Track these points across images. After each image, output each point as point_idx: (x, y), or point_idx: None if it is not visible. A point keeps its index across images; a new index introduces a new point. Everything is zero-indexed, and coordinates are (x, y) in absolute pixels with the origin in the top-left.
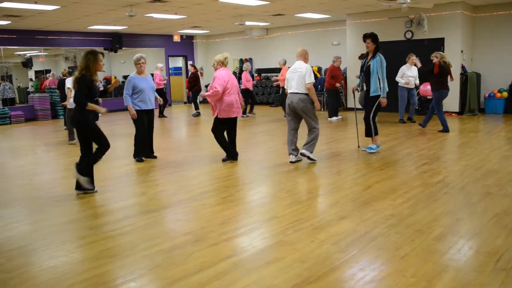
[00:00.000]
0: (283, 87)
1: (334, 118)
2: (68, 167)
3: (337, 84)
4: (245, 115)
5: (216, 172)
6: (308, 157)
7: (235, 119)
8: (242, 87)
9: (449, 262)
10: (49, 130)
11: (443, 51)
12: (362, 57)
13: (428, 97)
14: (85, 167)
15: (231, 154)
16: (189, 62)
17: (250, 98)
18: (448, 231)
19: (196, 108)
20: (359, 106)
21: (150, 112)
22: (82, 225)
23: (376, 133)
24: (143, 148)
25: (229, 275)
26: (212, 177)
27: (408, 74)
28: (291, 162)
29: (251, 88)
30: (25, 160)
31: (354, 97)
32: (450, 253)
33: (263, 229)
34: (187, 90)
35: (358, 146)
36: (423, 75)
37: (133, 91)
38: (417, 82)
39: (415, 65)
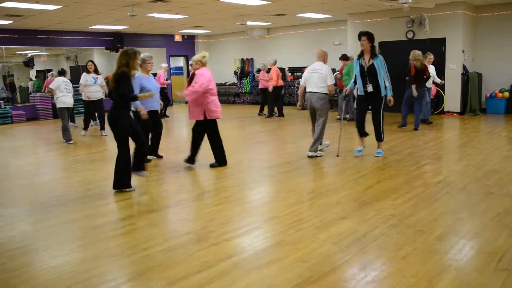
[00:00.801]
0: (275, 87)
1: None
2: (69, 167)
3: None
4: (266, 114)
5: (217, 172)
6: (316, 156)
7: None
8: (260, 86)
9: (450, 262)
10: (51, 129)
11: (444, 51)
12: (343, 57)
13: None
14: (123, 167)
15: (192, 158)
16: (190, 62)
17: (264, 99)
18: (449, 231)
19: None
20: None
21: (156, 113)
22: (83, 225)
23: (383, 138)
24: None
25: (230, 275)
26: (213, 176)
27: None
28: (309, 156)
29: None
30: (26, 160)
31: (344, 99)
32: (451, 253)
33: (264, 229)
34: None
35: (337, 155)
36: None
37: (140, 92)
38: (437, 80)
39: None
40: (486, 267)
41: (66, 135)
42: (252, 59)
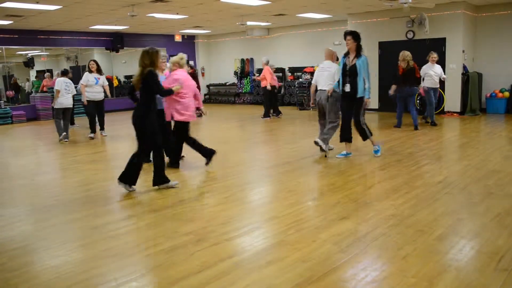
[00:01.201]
0: (264, 87)
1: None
2: (69, 167)
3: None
4: (274, 114)
5: (217, 172)
6: (320, 147)
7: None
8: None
9: (450, 262)
10: (51, 130)
11: (444, 51)
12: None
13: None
14: (160, 163)
15: (174, 161)
16: (190, 62)
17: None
18: (449, 231)
19: None
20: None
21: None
22: (84, 225)
23: (371, 133)
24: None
25: (230, 275)
26: (213, 177)
27: (431, 73)
28: (315, 142)
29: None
30: (27, 160)
31: (327, 100)
32: (452, 253)
33: (264, 229)
34: None
35: (326, 156)
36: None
37: None
38: (444, 76)
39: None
40: (486, 267)
41: (59, 132)
42: (252, 59)
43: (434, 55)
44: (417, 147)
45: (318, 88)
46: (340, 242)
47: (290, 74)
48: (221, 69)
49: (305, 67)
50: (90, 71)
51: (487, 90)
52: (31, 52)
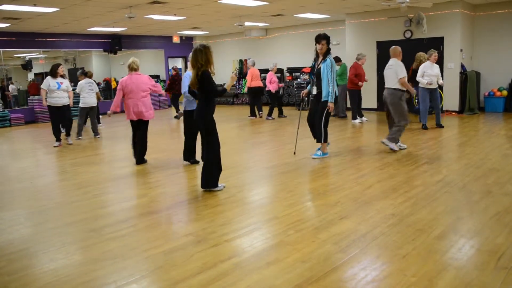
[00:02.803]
0: (252, 88)
1: (358, 120)
2: (68, 170)
3: (360, 83)
4: (269, 117)
5: None
6: (388, 146)
7: (142, 121)
8: (267, 88)
9: (450, 261)
10: (49, 132)
11: (442, 50)
12: (336, 59)
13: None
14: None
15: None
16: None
17: (271, 101)
18: (449, 230)
19: (177, 110)
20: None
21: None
22: (83, 227)
23: (326, 140)
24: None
25: (230, 276)
26: None
27: (430, 72)
28: (382, 142)
29: (273, 90)
30: (25, 163)
31: (304, 102)
32: (451, 252)
33: (264, 229)
34: (166, 91)
35: (294, 153)
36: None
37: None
38: (441, 81)
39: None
40: (486, 265)
41: (78, 131)
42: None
43: (435, 54)
44: (416, 146)
45: (385, 87)
46: (340, 242)
47: (288, 74)
48: (220, 70)
49: (303, 68)
50: (55, 76)
51: (485, 89)
52: (29, 55)
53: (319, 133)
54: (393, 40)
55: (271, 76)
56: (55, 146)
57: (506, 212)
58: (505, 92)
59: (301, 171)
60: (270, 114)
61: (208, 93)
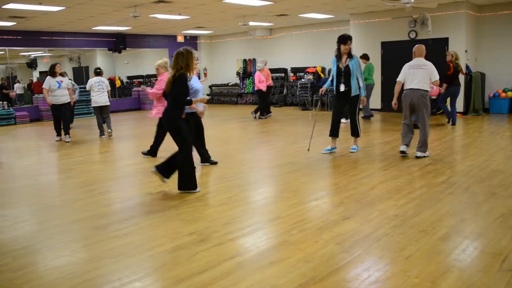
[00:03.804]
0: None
1: (347, 120)
2: (72, 167)
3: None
4: (263, 117)
5: (220, 172)
6: (425, 156)
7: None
8: (256, 88)
9: (453, 262)
10: (54, 130)
11: (447, 51)
12: (364, 56)
13: (432, 97)
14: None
15: (153, 151)
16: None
17: (261, 100)
18: (452, 232)
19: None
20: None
21: (195, 115)
22: (87, 225)
23: (359, 135)
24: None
25: (233, 275)
26: (216, 177)
27: None
28: (401, 151)
29: (264, 88)
30: (30, 160)
31: (322, 100)
32: (455, 254)
33: (267, 229)
34: None
35: (308, 149)
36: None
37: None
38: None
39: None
40: (490, 268)
41: (100, 129)
42: (254, 59)
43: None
44: None
45: (410, 87)
46: (343, 242)
47: (292, 74)
48: (224, 69)
49: (307, 68)
50: (54, 75)
51: (490, 90)
52: (34, 53)
53: (354, 128)
54: (398, 41)
55: (259, 76)
56: (56, 141)
57: (510, 214)
58: (510, 93)
59: (304, 171)
60: (262, 113)
61: (176, 96)
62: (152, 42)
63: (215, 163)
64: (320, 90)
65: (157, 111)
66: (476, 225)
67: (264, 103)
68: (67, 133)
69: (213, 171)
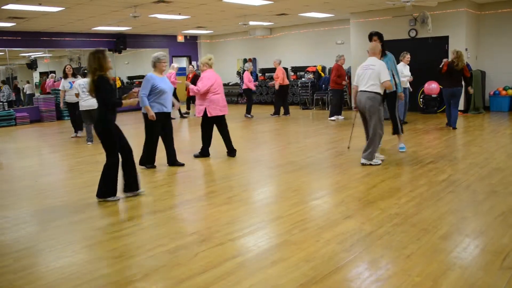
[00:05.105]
0: (280, 85)
1: (334, 117)
2: (73, 168)
3: (343, 82)
4: (249, 115)
5: (221, 172)
6: (370, 164)
7: (223, 117)
8: (244, 87)
9: (455, 261)
10: (54, 131)
11: (447, 49)
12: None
13: (433, 95)
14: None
15: (204, 152)
16: (193, 63)
17: (249, 99)
18: (453, 230)
19: (188, 108)
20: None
21: (168, 115)
22: (88, 226)
23: (402, 131)
24: (154, 156)
25: (235, 275)
26: (217, 177)
27: (405, 73)
28: (362, 164)
29: (253, 88)
30: (31, 161)
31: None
32: (456, 252)
33: (268, 229)
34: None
35: (348, 147)
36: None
37: (151, 92)
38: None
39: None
40: (491, 266)
41: (87, 135)
42: (255, 59)
43: (407, 56)
44: (420, 145)
45: (360, 90)
46: (344, 242)
47: (292, 73)
48: (224, 69)
49: (307, 67)
50: (66, 76)
51: (490, 88)
52: (34, 54)
53: (394, 125)
54: (398, 39)
55: (248, 76)
56: (72, 137)
57: (511, 212)
58: (510, 91)
59: (305, 171)
60: (249, 111)
61: (103, 100)
62: (152, 42)
63: (182, 164)
64: (353, 89)
65: (199, 110)
66: (477, 223)
67: (251, 102)
68: (81, 129)
69: (214, 171)
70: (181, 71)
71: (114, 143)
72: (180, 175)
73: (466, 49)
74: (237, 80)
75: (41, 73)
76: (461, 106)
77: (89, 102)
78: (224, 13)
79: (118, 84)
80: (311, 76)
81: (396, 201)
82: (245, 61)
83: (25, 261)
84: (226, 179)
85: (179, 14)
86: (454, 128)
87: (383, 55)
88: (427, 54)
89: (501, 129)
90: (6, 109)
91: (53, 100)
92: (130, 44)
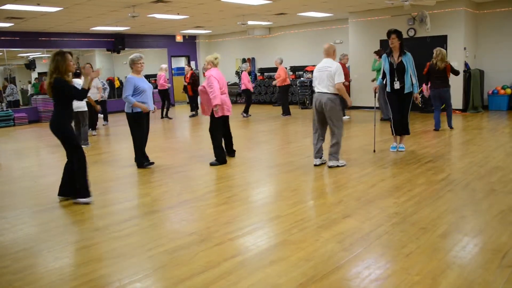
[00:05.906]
0: (280, 86)
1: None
2: None
3: (346, 83)
4: (245, 115)
5: (220, 172)
6: (337, 166)
7: (227, 117)
8: (243, 87)
9: (454, 259)
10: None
11: (446, 49)
12: (379, 52)
13: (425, 96)
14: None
15: (221, 158)
16: (192, 63)
17: (248, 99)
18: (452, 229)
19: (193, 109)
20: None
21: (148, 114)
22: (87, 226)
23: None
24: (144, 152)
25: (234, 275)
26: (216, 177)
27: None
28: (315, 165)
29: (251, 88)
30: (29, 162)
31: (375, 97)
32: (455, 251)
33: (267, 228)
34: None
35: (374, 151)
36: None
37: (134, 92)
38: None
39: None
40: (490, 264)
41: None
42: (253, 58)
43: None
44: (419, 144)
45: (317, 91)
46: (344, 241)
47: (291, 73)
48: (223, 69)
49: (306, 66)
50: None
51: (489, 87)
52: (32, 54)
53: (406, 125)
54: None
55: (246, 76)
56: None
57: (510, 210)
58: (509, 90)
59: (304, 170)
60: (246, 111)
61: (72, 98)
62: (151, 42)
63: (152, 163)
64: (374, 87)
65: (205, 108)
66: (476, 222)
67: (250, 102)
68: (91, 128)
69: (213, 171)
70: (180, 71)
71: (74, 137)
72: (179, 175)
73: (465, 48)
74: (236, 79)
75: (39, 74)
76: (460, 105)
77: (80, 104)
78: (223, 12)
79: (117, 84)
80: (310, 75)
81: (395, 200)
82: (243, 60)
83: (24, 262)
84: (225, 179)
85: (178, 14)
86: (451, 128)
87: (402, 54)
88: (426, 54)
89: (500, 128)
90: (5, 109)
91: (51, 100)
92: (129, 44)
